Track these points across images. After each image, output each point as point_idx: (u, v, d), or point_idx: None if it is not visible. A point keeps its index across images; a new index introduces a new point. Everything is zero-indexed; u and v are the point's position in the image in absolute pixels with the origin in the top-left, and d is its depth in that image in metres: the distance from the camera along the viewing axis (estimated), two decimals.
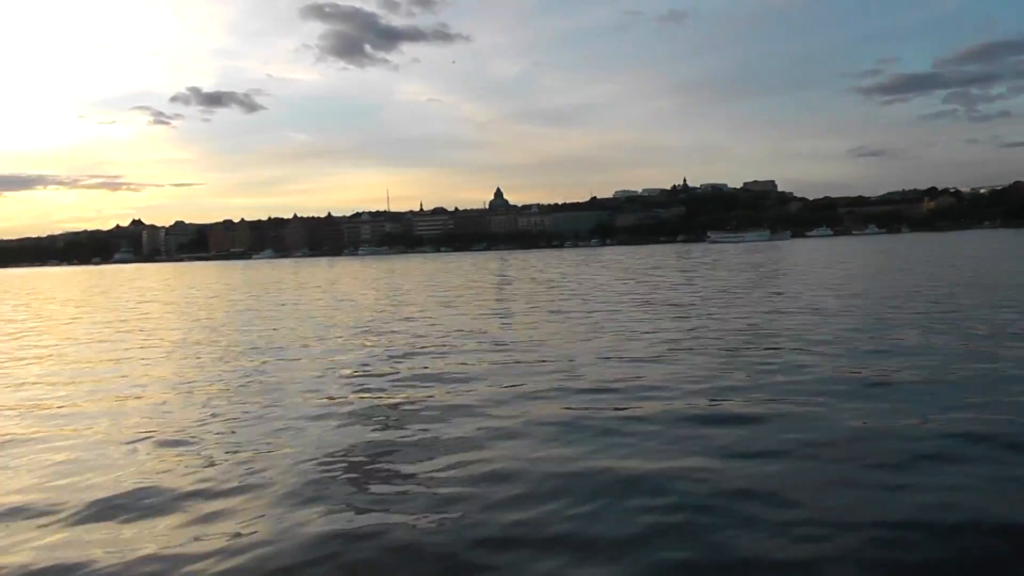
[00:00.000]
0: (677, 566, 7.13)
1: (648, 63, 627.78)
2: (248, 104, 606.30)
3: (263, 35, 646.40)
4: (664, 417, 12.02)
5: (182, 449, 11.45)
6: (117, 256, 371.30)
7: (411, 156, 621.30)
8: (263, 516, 8.56)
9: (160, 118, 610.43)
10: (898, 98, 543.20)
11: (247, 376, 17.78)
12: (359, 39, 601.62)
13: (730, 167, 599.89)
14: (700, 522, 7.98)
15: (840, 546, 7.35)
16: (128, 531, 8.33)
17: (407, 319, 29.19)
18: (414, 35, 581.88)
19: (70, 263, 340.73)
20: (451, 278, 63.60)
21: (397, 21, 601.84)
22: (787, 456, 10.00)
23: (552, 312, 28.63)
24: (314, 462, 10.43)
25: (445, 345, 20.92)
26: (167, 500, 9.16)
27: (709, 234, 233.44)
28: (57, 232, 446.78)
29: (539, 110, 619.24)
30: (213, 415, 13.57)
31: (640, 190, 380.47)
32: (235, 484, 9.63)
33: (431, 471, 9.89)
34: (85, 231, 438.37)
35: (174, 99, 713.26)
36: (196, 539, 8.01)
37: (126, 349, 24.05)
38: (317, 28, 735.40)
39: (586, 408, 12.90)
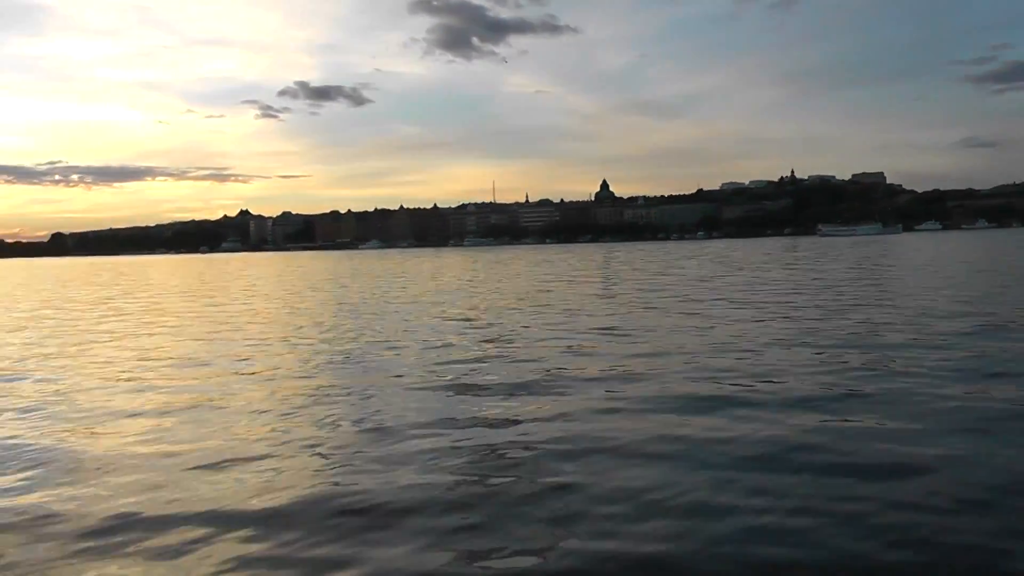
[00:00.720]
0: None
1: (756, 51, 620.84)
2: (355, 98, 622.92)
3: (371, 30, 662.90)
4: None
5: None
6: (224, 245, 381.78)
7: (517, 148, 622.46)
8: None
9: (268, 112, 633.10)
10: (1011, 86, 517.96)
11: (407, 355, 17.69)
12: (467, 32, 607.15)
13: (838, 158, 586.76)
14: None
15: None
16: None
17: (543, 309, 27.89)
18: (522, 27, 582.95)
19: (177, 252, 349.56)
20: (555, 270, 62.77)
21: (505, 13, 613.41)
22: None
23: (690, 315, 26.79)
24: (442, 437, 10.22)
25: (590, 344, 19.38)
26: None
27: (820, 227, 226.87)
28: (165, 222, 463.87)
29: (646, 101, 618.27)
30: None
31: (747, 182, 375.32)
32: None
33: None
34: (193, 221, 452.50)
35: (282, 93, 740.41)
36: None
37: (299, 327, 24.34)
38: (425, 22, 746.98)
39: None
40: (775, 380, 13.24)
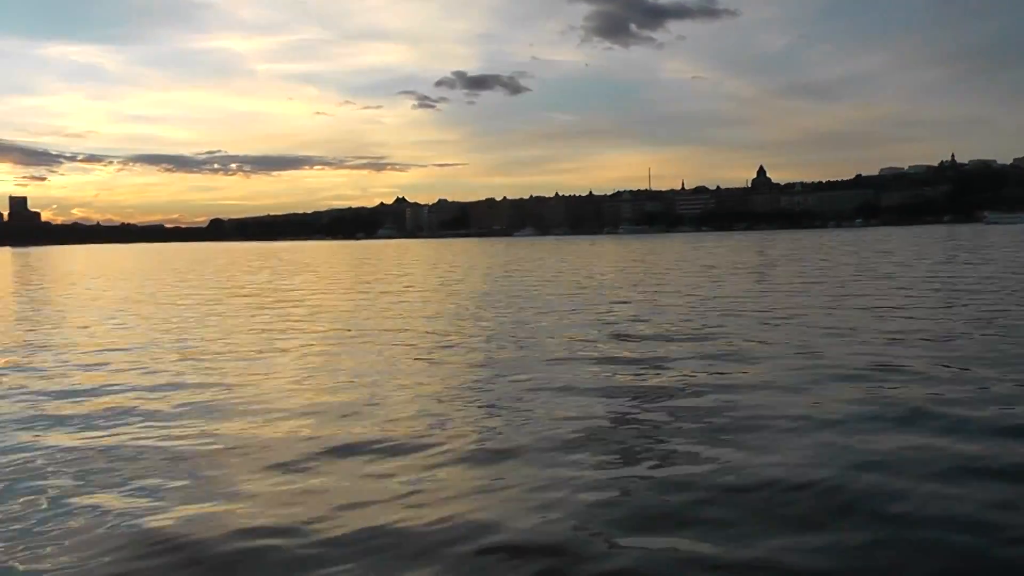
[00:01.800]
0: None
1: (918, 31, 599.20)
2: (512, 86, 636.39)
3: (528, 19, 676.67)
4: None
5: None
6: (380, 232, 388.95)
7: (673, 134, 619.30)
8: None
9: (425, 102, 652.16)
10: None
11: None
12: (624, 18, 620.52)
13: (1000, 142, 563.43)
14: None
15: None
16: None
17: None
18: (680, 12, 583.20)
19: (334, 238, 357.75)
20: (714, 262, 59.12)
21: None
22: None
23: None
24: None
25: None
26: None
27: (985, 214, 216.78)
28: (322, 209, 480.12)
29: (804, 84, 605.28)
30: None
31: (906, 167, 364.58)
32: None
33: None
34: (350, 208, 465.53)
35: (439, 83, 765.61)
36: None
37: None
38: (583, 9, 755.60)
39: None
40: None
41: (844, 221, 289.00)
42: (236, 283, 48.35)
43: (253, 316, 27.45)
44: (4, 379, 15.95)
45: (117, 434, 11.12)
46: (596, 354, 16.79)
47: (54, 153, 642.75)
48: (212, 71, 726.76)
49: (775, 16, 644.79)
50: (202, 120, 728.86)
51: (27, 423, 11.97)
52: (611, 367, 15.18)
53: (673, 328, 20.62)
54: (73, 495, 8.58)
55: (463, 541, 7.06)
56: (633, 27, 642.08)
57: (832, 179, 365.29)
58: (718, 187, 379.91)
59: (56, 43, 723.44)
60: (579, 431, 10.47)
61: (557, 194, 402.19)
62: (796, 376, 13.71)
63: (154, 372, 16.22)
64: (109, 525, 7.71)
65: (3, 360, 18.60)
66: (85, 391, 14.26)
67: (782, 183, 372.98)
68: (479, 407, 11.99)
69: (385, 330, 22.13)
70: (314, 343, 20.14)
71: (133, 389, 14.30)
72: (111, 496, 8.50)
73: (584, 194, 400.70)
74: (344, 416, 11.76)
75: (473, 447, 9.97)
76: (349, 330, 22.51)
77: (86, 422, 11.87)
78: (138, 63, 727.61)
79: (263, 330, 23.23)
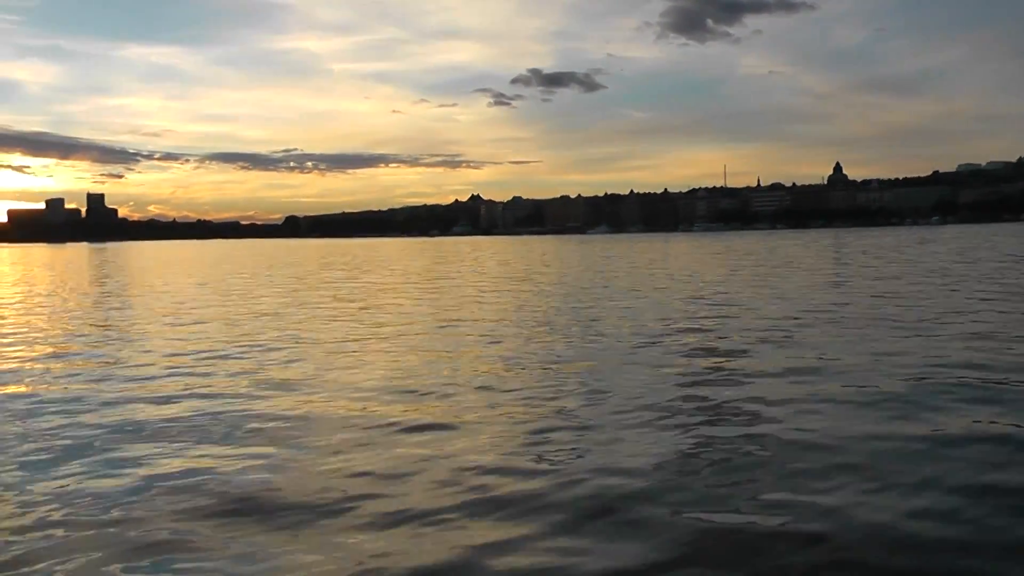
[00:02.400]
0: None
1: (998, 23, 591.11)
2: (588, 83, 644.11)
3: (604, 16, 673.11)
4: None
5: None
6: (455, 229, 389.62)
7: (749, 130, 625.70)
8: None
9: (501, 99, 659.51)
10: None
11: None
12: (701, 14, 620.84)
13: None
14: None
15: None
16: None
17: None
18: (757, 6, 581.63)
19: (409, 235, 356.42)
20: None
21: None
22: None
23: None
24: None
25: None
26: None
27: None
28: (397, 206, 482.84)
29: (881, 78, 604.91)
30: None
31: (984, 163, 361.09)
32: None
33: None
34: (425, 205, 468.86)
35: (515, 81, 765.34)
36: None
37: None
38: (659, 5, 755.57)
39: None
40: None
41: (920, 219, 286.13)
42: (323, 277, 49.45)
43: (337, 309, 27.81)
44: (96, 362, 16.91)
45: (205, 408, 11.95)
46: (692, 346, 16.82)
47: (131, 151, 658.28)
48: (289, 71, 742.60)
49: (853, 9, 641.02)
50: (278, 119, 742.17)
51: (128, 400, 12.74)
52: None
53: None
54: (168, 459, 9.37)
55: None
56: (709, 22, 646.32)
57: (909, 175, 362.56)
58: (794, 184, 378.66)
59: (135, 45, 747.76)
60: (662, 412, 10.85)
61: (632, 191, 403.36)
62: None
63: (242, 358, 16.90)
64: (205, 487, 8.32)
65: (95, 346, 19.58)
66: (175, 374, 15.01)
67: (858, 179, 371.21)
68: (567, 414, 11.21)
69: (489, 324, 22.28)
70: (405, 333, 20.58)
71: (222, 375, 14.85)
72: (205, 460, 9.28)
73: (659, 191, 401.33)
74: (443, 396, 12.41)
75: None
76: (443, 323, 22.54)
77: (176, 400, 12.68)
78: (215, 63, 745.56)
79: (348, 321, 23.66)
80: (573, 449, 9.27)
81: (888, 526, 6.90)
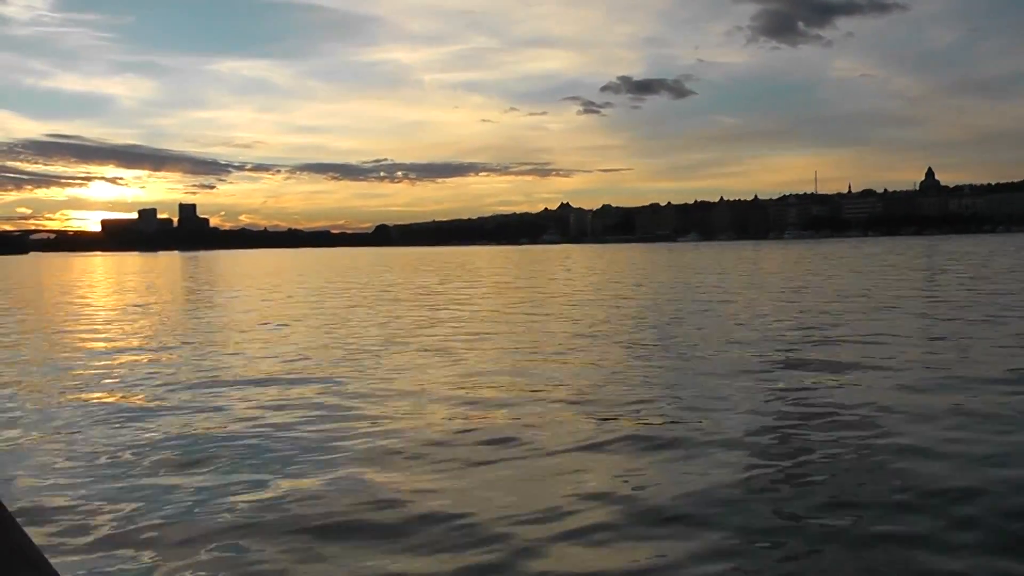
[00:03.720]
0: None
1: None
2: (677, 90, 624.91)
3: (694, 21, 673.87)
4: None
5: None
6: (544, 237, 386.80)
7: (840, 135, 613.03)
8: None
9: (590, 107, 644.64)
10: None
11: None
12: (792, 16, 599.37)
13: None
14: None
15: None
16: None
17: None
18: (849, 8, 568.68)
19: (498, 243, 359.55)
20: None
21: None
22: None
23: None
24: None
25: None
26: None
27: None
28: (487, 215, 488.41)
29: (975, 81, 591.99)
30: None
31: None
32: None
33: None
34: (515, 214, 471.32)
35: (604, 88, 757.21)
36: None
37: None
38: (749, 9, 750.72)
39: None
40: None
41: (1013, 225, 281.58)
42: (422, 286, 49.50)
43: (436, 314, 28.60)
44: (184, 369, 17.25)
45: (299, 416, 12.03)
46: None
47: (223, 163, 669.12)
48: (380, 82, 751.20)
49: (945, 10, 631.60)
50: (369, 130, 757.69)
51: (218, 407, 12.92)
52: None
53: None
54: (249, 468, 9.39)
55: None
56: (801, 25, 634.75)
57: (1002, 181, 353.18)
58: (885, 190, 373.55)
59: (227, 59, 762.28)
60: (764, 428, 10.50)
61: (722, 198, 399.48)
62: None
63: (333, 365, 17.15)
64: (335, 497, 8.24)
65: (187, 351, 20.22)
66: (272, 380, 15.31)
67: (951, 185, 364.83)
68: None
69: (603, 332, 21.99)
70: (503, 341, 20.73)
71: (318, 381, 15.09)
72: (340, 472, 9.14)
73: (749, 198, 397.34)
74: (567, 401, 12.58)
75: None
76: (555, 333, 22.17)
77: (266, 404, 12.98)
78: (306, 76, 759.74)
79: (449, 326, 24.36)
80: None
81: None
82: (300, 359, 18.20)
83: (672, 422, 11.12)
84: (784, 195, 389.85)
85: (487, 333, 22.20)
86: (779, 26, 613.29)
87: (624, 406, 12.15)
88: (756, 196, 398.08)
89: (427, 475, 9.03)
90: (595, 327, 22.86)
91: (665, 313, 26.75)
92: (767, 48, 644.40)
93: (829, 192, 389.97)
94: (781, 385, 13.50)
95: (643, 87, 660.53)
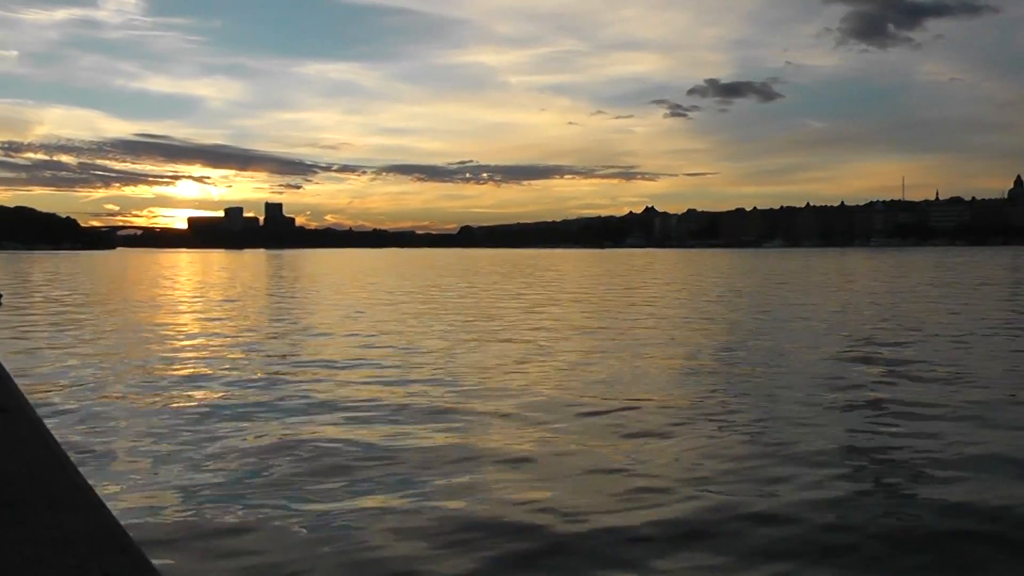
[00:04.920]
0: None
1: None
2: (765, 93, 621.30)
3: (783, 22, 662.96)
4: None
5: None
6: (628, 241, 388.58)
7: (928, 141, 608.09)
8: None
9: (677, 111, 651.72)
10: None
11: None
12: (882, 18, 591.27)
13: None
14: None
15: None
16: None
17: None
18: (939, 9, 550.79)
19: (582, 246, 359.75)
20: None
21: None
22: None
23: None
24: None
25: None
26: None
27: None
28: (571, 217, 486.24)
29: None
30: None
31: None
32: None
33: None
34: (599, 217, 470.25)
35: (691, 92, 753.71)
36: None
37: None
38: (839, 11, 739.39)
39: None
40: None
41: None
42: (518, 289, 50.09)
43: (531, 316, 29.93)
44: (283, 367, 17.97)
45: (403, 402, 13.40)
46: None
47: (309, 163, 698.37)
48: (466, 84, 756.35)
49: None
50: (454, 132, 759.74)
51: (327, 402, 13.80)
52: None
53: None
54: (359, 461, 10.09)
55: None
56: (891, 27, 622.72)
57: None
58: (973, 198, 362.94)
59: (314, 62, 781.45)
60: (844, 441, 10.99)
61: (808, 204, 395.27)
62: None
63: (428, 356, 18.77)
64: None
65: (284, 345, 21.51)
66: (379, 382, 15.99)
67: None
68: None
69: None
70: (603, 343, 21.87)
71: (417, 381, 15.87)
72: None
73: (835, 204, 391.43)
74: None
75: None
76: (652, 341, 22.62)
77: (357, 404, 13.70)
78: (393, 78, 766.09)
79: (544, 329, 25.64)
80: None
81: None
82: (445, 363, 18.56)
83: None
84: (871, 201, 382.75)
85: (605, 346, 21.83)
86: (868, 28, 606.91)
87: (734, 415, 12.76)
88: (843, 202, 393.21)
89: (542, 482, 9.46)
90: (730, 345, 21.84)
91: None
92: (856, 51, 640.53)
93: (916, 199, 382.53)
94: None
95: (730, 90, 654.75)
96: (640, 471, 9.76)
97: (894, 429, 11.77)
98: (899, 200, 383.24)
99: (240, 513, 8.29)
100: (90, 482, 3.84)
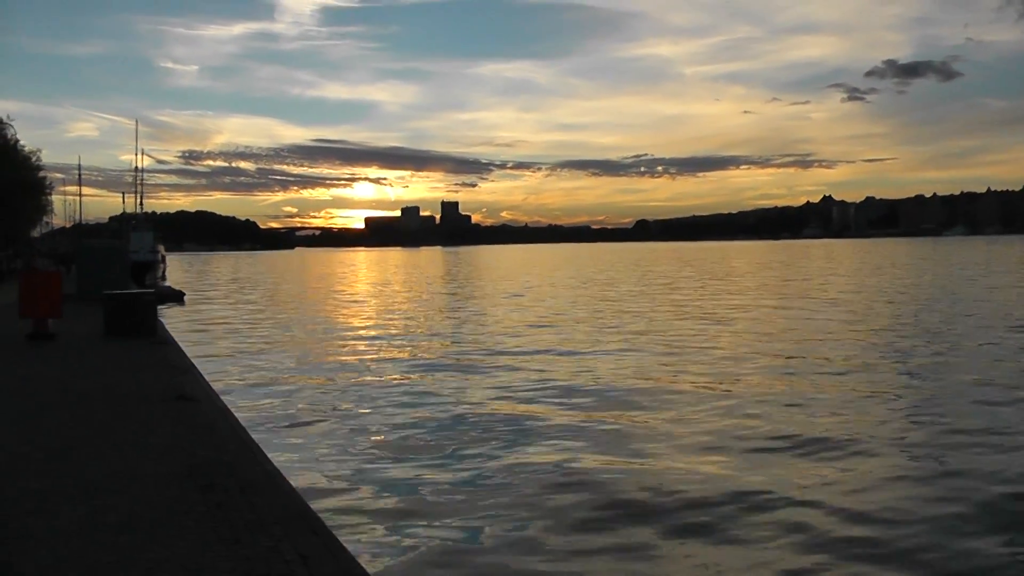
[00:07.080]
0: None
1: None
2: (944, 72, 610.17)
3: None
4: None
5: None
6: (805, 231, 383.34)
7: None
8: None
9: (854, 94, 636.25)
10: None
11: None
12: None
13: None
14: None
15: None
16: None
17: None
18: None
19: (759, 238, 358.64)
20: None
21: None
22: None
23: None
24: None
25: None
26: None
27: None
28: (747, 208, 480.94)
29: None
30: None
31: None
32: None
33: None
34: (775, 207, 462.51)
35: (869, 74, 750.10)
36: None
37: None
38: None
39: None
40: None
41: None
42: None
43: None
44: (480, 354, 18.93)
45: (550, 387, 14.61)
46: None
47: (484, 162, 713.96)
48: (641, 77, 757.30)
49: None
50: (629, 125, 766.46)
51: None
52: None
53: None
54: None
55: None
56: None
57: None
58: None
59: (489, 62, 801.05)
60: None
61: (989, 189, 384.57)
62: None
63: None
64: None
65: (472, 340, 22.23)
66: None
67: None
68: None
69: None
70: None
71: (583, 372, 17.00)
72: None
73: (1017, 188, 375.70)
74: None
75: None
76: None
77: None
78: (568, 75, 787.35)
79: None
80: None
81: None
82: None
83: None
84: None
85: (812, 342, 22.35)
86: None
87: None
88: None
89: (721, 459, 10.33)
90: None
91: None
92: None
93: None
94: None
95: (909, 71, 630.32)
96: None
97: None
98: None
99: (429, 500, 8.78)
100: (278, 466, 3.90)
